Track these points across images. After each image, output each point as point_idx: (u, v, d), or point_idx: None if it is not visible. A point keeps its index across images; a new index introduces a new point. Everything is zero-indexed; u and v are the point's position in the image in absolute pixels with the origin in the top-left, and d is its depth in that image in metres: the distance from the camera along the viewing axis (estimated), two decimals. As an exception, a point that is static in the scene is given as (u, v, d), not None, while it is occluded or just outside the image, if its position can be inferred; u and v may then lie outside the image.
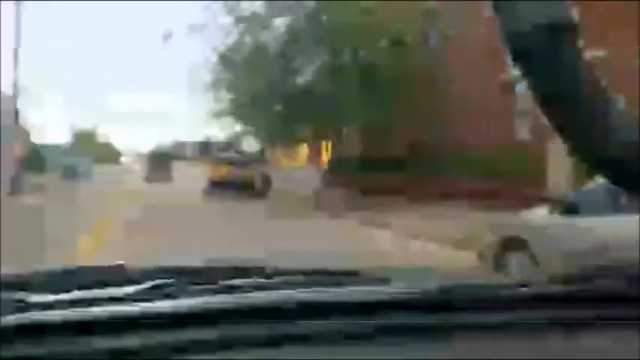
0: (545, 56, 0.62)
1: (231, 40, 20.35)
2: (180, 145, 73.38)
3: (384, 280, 1.24)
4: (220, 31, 20.00)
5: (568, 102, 0.63)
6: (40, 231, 10.65)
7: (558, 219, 5.85)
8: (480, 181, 16.25)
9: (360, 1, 17.53)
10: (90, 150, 55.91)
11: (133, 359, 0.85)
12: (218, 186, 22.63)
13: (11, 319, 0.88)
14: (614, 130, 0.63)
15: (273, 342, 0.90)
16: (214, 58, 21.32)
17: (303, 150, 31.03)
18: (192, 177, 28.34)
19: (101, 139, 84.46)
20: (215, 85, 22.73)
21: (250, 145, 24.72)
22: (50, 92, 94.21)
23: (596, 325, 1.00)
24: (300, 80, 20.46)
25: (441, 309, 1.02)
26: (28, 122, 36.68)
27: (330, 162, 25.18)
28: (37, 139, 38.81)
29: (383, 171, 20.00)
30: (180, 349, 0.87)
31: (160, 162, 38.48)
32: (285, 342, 0.91)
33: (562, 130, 0.65)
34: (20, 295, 1.02)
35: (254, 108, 20.75)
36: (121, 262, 1.33)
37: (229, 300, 1.02)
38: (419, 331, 0.97)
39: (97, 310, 0.94)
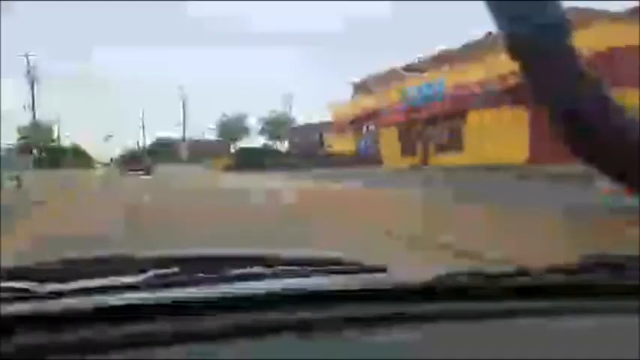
0: (543, 55, 0.62)
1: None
2: (164, 144, 64.18)
3: (381, 269, 1.25)
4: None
5: (567, 100, 0.64)
6: None
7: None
8: None
9: None
10: (50, 155, 49.42)
11: (134, 348, 0.85)
12: None
13: (12, 309, 0.88)
14: (613, 127, 0.64)
15: (273, 331, 0.91)
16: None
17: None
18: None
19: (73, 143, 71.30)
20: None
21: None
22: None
23: (594, 316, 1.01)
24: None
25: (438, 298, 1.03)
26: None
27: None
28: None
29: None
30: (182, 337, 0.87)
31: (136, 158, 38.80)
32: (285, 331, 0.91)
33: (563, 129, 0.66)
34: (21, 285, 1.02)
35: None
36: (125, 251, 1.33)
37: (232, 289, 1.02)
38: (417, 319, 0.98)
39: (98, 299, 0.94)
